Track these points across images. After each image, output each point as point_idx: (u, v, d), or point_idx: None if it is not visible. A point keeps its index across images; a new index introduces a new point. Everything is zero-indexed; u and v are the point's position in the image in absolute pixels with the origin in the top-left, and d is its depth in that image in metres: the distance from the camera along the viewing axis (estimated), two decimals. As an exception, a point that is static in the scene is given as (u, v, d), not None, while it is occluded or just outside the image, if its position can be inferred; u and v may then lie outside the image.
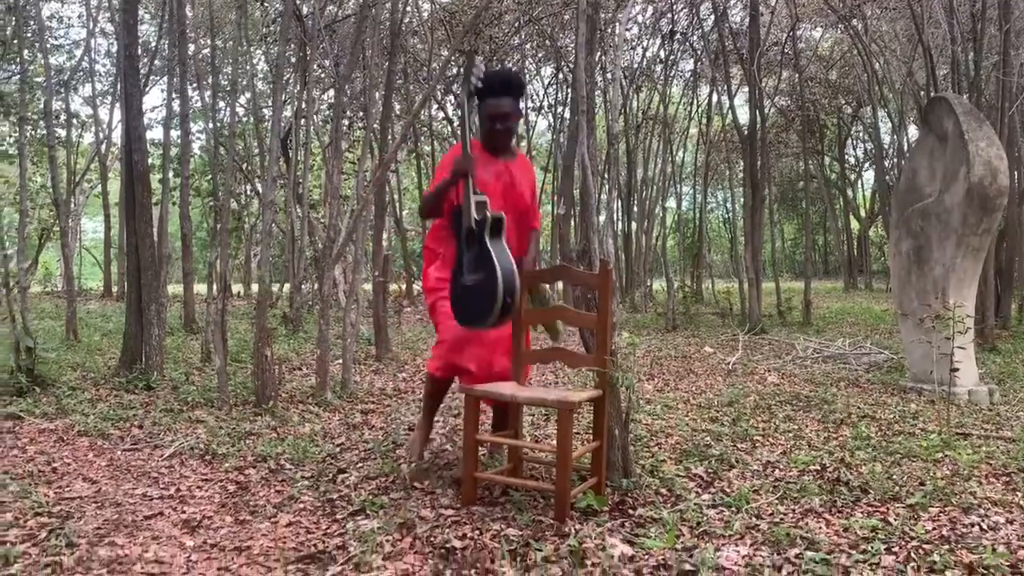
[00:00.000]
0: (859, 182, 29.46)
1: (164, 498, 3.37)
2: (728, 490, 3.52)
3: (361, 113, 12.73)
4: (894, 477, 3.71)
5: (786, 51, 14.95)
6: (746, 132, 11.94)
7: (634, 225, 18.13)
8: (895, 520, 3.07)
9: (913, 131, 18.62)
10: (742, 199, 13.30)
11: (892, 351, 8.47)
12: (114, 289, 17.12)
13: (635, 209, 18.01)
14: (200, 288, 13.57)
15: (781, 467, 3.94)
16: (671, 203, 19.29)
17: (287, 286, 13.02)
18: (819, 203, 27.55)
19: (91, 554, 2.68)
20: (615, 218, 16.61)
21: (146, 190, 6.07)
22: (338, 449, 4.21)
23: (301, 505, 3.26)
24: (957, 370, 5.24)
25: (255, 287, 18.65)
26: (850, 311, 15.29)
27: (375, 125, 8.11)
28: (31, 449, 4.16)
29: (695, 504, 3.28)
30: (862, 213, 27.57)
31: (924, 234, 6.43)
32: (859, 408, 5.58)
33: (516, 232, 3.79)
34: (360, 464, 3.91)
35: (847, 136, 25.43)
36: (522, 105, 4.38)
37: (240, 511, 3.21)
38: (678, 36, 14.56)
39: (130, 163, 5.97)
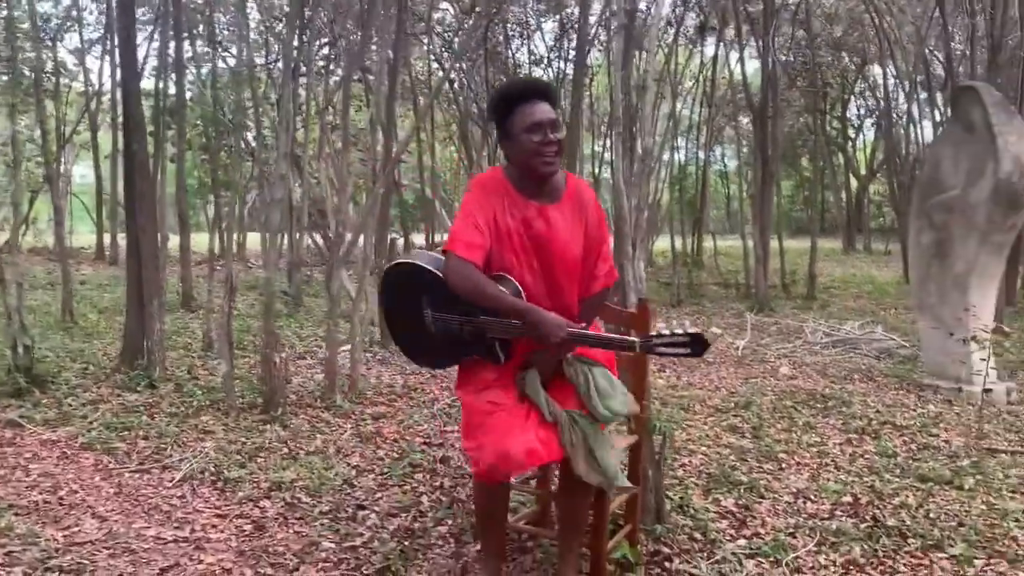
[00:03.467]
0: (859, 137, 29.10)
1: (179, 541, 3.23)
2: (763, 531, 3.41)
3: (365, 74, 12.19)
4: (931, 515, 3.61)
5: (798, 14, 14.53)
6: (757, 104, 11.65)
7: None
8: (942, 580, 2.97)
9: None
10: (743, 152, 13.08)
11: (902, 333, 8.38)
12: (106, 252, 16.74)
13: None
14: (196, 239, 12.64)
15: (812, 497, 3.84)
16: (666, 156, 18.87)
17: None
18: (818, 159, 27.21)
19: (108, 627, 2.54)
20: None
21: (146, 180, 5.82)
22: (354, 472, 4.07)
23: (323, 554, 3.13)
24: (990, 390, 5.14)
25: (251, 236, 18.06)
26: (853, 280, 15.19)
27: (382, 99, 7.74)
28: (34, 470, 4.00)
29: (732, 553, 3.16)
30: (862, 171, 27.26)
31: (946, 229, 6.24)
32: (878, 412, 5.50)
33: (554, 291, 2.66)
34: (378, 493, 3.78)
35: (850, 94, 24.97)
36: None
37: (260, 561, 3.07)
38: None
39: (130, 152, 5.70)
